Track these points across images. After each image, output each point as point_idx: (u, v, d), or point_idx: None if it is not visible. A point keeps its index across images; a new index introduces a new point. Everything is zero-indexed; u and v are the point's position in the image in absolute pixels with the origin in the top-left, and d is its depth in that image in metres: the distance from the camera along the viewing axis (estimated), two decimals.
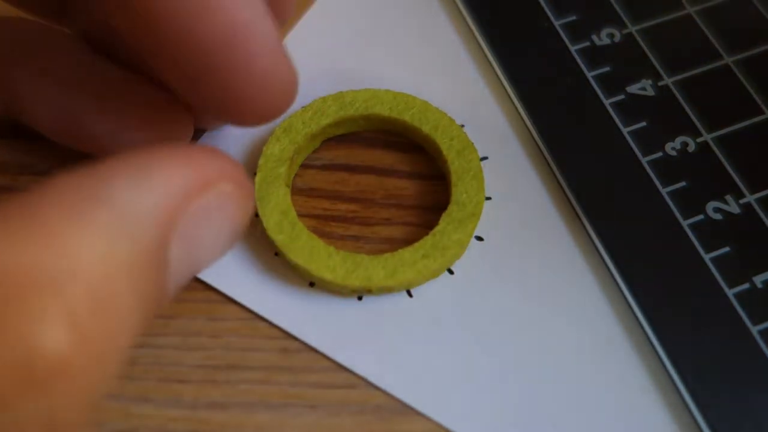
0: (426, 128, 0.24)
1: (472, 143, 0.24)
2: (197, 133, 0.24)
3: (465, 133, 0.24)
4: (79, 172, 0.15)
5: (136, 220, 0.15)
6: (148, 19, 0.18)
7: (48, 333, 0.13)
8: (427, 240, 0.22)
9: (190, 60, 0.18)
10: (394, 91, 0.25)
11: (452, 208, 0.23)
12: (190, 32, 0.18)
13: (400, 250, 0.22)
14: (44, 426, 0.14)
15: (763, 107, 0.25)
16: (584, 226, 0.23)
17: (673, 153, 0.24)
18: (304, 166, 0.24)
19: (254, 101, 0.19)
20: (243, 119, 0.21)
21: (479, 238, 0.23)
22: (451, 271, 0.23)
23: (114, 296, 0.15)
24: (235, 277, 0.23)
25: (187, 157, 0.17)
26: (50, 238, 0.14)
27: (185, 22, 0.17)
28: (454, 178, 0.23)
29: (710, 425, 0.20)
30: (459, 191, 0.23)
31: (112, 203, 0.15)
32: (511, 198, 0.24)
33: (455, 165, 0.23)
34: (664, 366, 0.21)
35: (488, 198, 0.24)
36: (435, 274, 0.22)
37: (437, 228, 0.22)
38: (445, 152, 0.24)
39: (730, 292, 0.22)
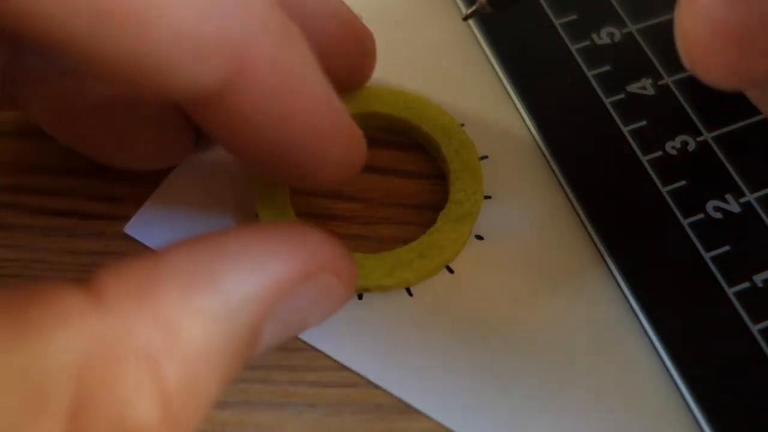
0: (425, 126, 0.24)
1: (471, 141, 0.24)
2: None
3: (464, 131, 0.24)
4: (196, 249, 0.16)
5: (238, 307, 0.16)
6: (233, 132, 0.18)
7: (142, 406, 0.14)
8: (424, 239, 0.22)
9: (270, 157, 0.19)
10: (393, 88, 0.25)
11: (450, 206, 0.23)
12: (275, 138, 0.18)
13: (397, 249, 0.22)
14: None
15: None
16: (584, 225, 0.23)
17: (673, 152, 0.24)
18: None
19: (327, 176, 0.20)
20: (310, 186, 0.23)
21: (479, 237, 0.23)
22: (451, 270, 0.23)
23: (203, 377, 0.15)
24: None
25: (297, 244, 0.18)
26: (157, 314, 0.15)
27: (268, 134, 0.18)
28: (452, 176, 0.23)
29: (711, 424, 0.20)
30: (457, 190, 0.23)
31: (218, 287, 0.16)
32: (511, 197, 0.24)
33: (454, 163, 0.23)
34: (665, 365, 0.21)
35: (488, 197, 0.24)
36: (433, 273, 0.22)
37: (434, 227, 0.22)
38: (443, 150, 0.24)
39: (730, 291, 0.22)
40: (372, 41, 0.23)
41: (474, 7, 0.22)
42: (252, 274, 0.16)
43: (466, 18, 0.22)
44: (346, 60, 0.23)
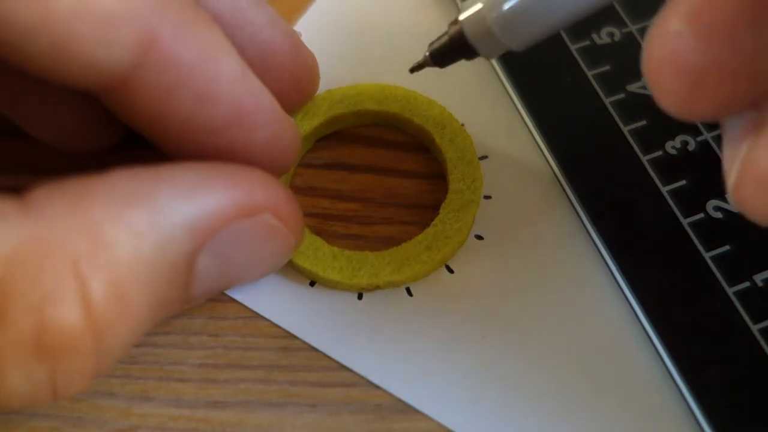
0: (417, 119, 0.24)
1: (465, 129, 0.24)
2: None
3: (455, 119, 0.24)
4: (135, 171, 0.17)
5: (170, 229, 0.17)
6: (153, 116, 0.18)
7: (63, 304, 0.15)
8: (429, 231, 0.22)
9: (197, 142, 0.19)
10: (380, 84, 0.25)
11: (450, 197, 0.23)
12: (195, 121, 0.18)
13: (403, 244, 0.22)
14: (48, 387, 0.16)
15: None
16: (584, 225, 0.23)
17: (674, 152, 0.24)
18: (304, 165, 0.25)
19: (261, 164, 0.20)
20: None
21: (479, 237, 0.23)
22: (451, 270, 0.23)
23: (131, 291, 0.16)
24: None
25: (239, 180, 0.18)
26: (86, 225, 0.16)
27: (188, 114, 0.18)
28: (449, 166, 0.23)
29: (711, 423, 0.20)
30: (456, 179, 0.23)
31: (153, 208, 0.16)
32: (511, 197, 0.24)
33: (449, 153, 0.24)
34: (665, 364, 0.21)
35: (488, 197, 0.24)
36: (440, 264, 0.23)
37: (438, 218, 0.23)
38: (438, 141, 0.24)
39: (730, 291, 0.22)
40: (313, 59, 0.23)
41: (419, 61, 0.23)
42: (187, 200, 0.17)
43: (412, 70, 0.23)
44: (288, 71, 0.22)
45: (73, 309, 0.15)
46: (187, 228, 0.17)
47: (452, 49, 0.22)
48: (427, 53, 0.22)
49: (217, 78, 0.18)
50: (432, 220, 0.23)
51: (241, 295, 0.22)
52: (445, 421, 0.21)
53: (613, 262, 0.22)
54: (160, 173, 0.17)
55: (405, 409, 0.21)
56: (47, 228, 0.15)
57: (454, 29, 0.21)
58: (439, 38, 0.22)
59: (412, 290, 0.22)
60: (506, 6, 0.19)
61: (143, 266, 0.16)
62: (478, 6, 0.20)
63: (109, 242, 0.16)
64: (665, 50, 0.16)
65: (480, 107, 0.25)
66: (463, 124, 0.24)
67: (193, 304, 0.19)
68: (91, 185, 0.16)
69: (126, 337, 0.17)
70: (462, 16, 0.21)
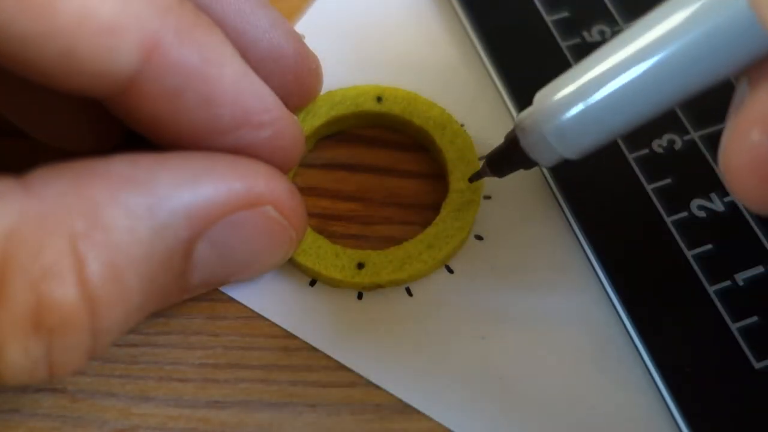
0: (417, 120, 0.24)
1: (465, 130, 0.24)
2: None
3: (455, 120, 0.24)
4: (137, 156, 0.17)
5: (168, 214, 0.17)
6: (157, 120, 0.18)
7: (60, 279, 0.15)
8: (430, 231, 0.23)
9: (202, 143, 0.19)
10: (382, 85, 0.25)
11: (451, 196, 0.23)
12: (200, 123, 0.18)
13: (405, 243, 0.22)
14: (44, 363, 0.16)
15: None
16: (570, 224, 0.23)
17: (660, 150, 0.24)
18: (304, 165, 0.24)
19: (266, 162, 0.20)
20: None
21: (479, 237, 0.23)
22: (450, 270, 0.23)
23: (126, 272, 0.16)
24: None
25: (242, 171, 0.18)
26: (85, 205, 0.16)
27: (193, 117, 0.18)
28: (450, 166, 0.23)
29: (688, 422, 0.21)
30: (456, 179, 0.23)
31: (151, 193, 0.17)
32: (511, 197, 0.24)
33: (450, 154, 0.24)
34: (646, 365, 0.22)
35: (488, 197, 0.24)
36: (441, 264, 0.23)
37: (439, 217, 0.23)
38: (438, 142, 0.24)
39: (711, 289, 0.22)
40: (317, 61, 0.23)
41: (478, 170, 0.23)
42: (187, 187, 0.17)
43: (471, 180, 0.23)
44: (291, 73, 0.22)
45: (70, 285, 0.15)
46: (185, 215, 0.17)
47: (508, 157, 0.21)
48: (485, 161, 0.22)
49: (220, 80, 0.18)
50: (432, 220, 0.23)
51: (241, 295, 0.22)
52: (445, 421, 0.21)
53: (596, 260, 0.23)
54: (161, 160, 0.17)
55: (405, 409, 0.21)
56: (47, 205, 0.15)
57: (510, 137, 0.21)
58: (497, 147, 0.22)
59: (412, 290, 0.23)
60: (562, 117, 0.19)
61: (139, 249, 0.16)
62: (534, 115, 0.20)
63: (107, 223, 0.16)
64: (746, 159, 0.16)
65: (480, 107, 0.25)
66: (463, 125, 0.24)
67: (191, 294, 0.19)
68: (91, 167, 0.16)
69: (121, 318, 0.17)
70: (517, 125, 0.21)
